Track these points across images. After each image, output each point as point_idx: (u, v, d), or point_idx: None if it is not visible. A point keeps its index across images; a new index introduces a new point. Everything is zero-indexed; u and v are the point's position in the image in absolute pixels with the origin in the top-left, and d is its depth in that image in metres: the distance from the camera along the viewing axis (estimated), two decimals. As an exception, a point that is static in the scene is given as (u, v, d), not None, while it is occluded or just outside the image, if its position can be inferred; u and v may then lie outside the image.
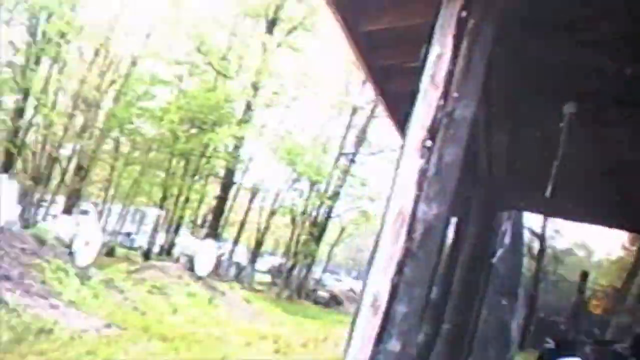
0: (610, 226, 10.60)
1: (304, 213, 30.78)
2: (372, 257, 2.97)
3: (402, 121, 7.02)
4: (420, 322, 3.20)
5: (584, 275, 22.34)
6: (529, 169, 6.87)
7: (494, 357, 11.27)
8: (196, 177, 30.88)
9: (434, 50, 3.09)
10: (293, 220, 31.20)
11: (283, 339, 14.77)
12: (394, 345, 2.80)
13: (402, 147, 3.08)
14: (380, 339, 2.82)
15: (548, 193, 5.47)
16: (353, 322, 2.97)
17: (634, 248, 24.24)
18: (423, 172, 2.92)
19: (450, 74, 3.01)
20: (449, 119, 2.97)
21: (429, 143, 2.94)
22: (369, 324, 2.86)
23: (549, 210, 10.97)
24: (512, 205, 9.15)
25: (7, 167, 24.46)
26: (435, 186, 2.92)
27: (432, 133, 2.96)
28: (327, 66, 30.57)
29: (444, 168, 2.94)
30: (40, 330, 9.79)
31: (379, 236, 2.97)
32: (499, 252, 8.86)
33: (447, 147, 2.97)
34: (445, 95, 2.98)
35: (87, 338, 10.39)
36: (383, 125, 32.40)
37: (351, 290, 35.20)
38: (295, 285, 28.52)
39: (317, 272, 34.24)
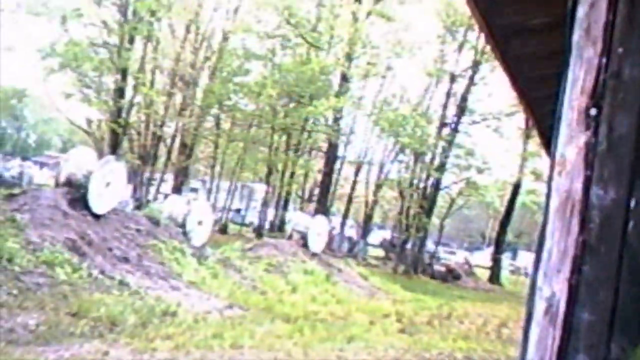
0: None
1: (411, 185, 29.82)
2: (538, 253, 2.46)
3: (523, 88, 6.01)
4: (610, 331, 2.42)
5: None
6: None
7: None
8: (299, 152, 30.69)
9: (585, -3, 2.51)
10: (401, 193, 30.38)
11: (406, 317, 14.01)
12: (583, 361, 2.28)
13: (557, 117, 2.53)
14: (563, 354, 2.30)
15: None
16: (525, 332, 2.42)
17: None
18: (592, 148, 2.36)
19: (609, 25, 2.42)
20: (615, 81, 2.37)
21: (594, 111, 2.37)
22: (546, 335, 2.35)
23: None
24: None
25: (114, 148, 24.90)
26: (610, 165, 2.35)
27: (597, 99, 2.38)
28: (420, 34, 29.48)
29: (617, 141, 2.35)
30: (164, 312, 9.62)
31: (544, 227, 2.45)
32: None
33: (617, 116, 2.36)
34: (608, 52, 2.39)
35: (211, 320, 10.16)
36: (484, 92, 31.32)
37: (466, 263, 33.91)
38: (410, 260, 27.59)
39: (430, 245, 33.06)
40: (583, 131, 2.38)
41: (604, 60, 2.39)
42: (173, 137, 29.21)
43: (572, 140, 2.41)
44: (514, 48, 5.17)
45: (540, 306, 2.38)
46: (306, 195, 32.95)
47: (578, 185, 2.36)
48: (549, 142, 2.74)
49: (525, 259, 54.85)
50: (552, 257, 2.39)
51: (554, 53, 2.69)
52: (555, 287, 2.36)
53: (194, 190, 28.89)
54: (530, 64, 5.59)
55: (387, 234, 35.08)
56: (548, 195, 2.47)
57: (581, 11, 2.51)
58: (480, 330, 13.23)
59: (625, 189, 2.35)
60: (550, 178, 2.48)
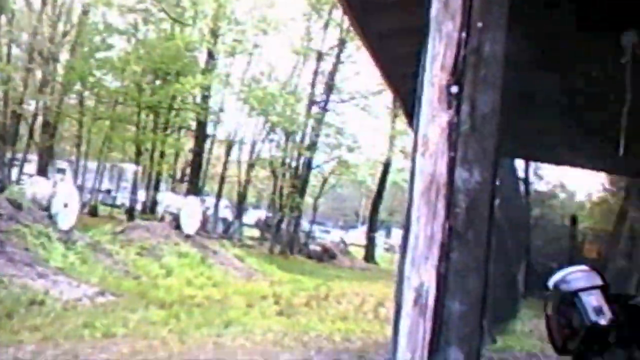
0: (592, 168, 10.48)
1: (283, 165, 29.79)
2: (404, 240, 2.33)
3: (387, 66, 5.88)
4: (481, 322, 2.36)
5: (574, 219, 22.19)
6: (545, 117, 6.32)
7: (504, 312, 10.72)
8: (168, 131, 29.83)
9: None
10: (274, 173, 30.20)
11: (284, 299, 14.03)
12: (456, 354, 2.18)
13: (418, 95, 2.39)
14: (435, 347, 2.19)
15: (621, 150, 4.58)
16: (395, 324, 2.28)
17: (615, 189, 23.86)
18: (454, 127, 2.26)
19: None
20: (476, 57, 2.28)
21: (455, 89, 2.27)
22: (416, 327, 2.21)
23: (545, 157, 10.73)
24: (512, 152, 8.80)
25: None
26: (474, 145, 2.25)
27: (458, 76, 2.28)
28: (286, 11, 29.43)
29: (480, 121, 2.27)
30: (31, 302, 9.31)
31: (409, 211, 2.32)
32: (496, 202, 7.86)
33: (479, 93, 2.28)
34: (467, 26, 2.30)
35: (82, 308, 9.90)
36: (351, 70, 31.78)
37: (342, 241, 34.55)
38: (286, 240, 27.48)
39: (305, 225, 33.13)
40: (445, 110, 2.27)
41: (464, 35, 2.29)
42: (34, 116, 27.53)
43: (434, 120, 2.29)
44: (374, 24, 5.16)
45: (409, 296, 2.24)
46: (178, 176, 32.12)
47: (442, 167, 2.24)
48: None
49: (399, 236, 56.86)
50: (419, 244, 2.25)
51: (415, 29, 2.54)
52: (423, 276, 2.22)
53: (61, 171, 27.40)
54: (392, 41, 5.56)
55: (262, 214, 34.96)
56: (412, 178, 2.35)
57: (439, -17, 2.40)
58: (358, 310, 13.35)
59: (489, 170, 2.29)
60: (413, 159, 2.36)
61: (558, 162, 10.76)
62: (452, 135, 2.25)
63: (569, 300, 2.87)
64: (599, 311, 2.80)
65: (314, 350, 8.90)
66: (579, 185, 35.87)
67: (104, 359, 7.35)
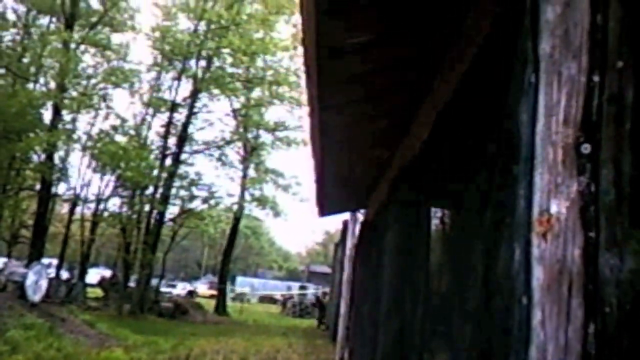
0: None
1: (131, 220, 28.82)
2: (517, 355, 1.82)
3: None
4: None
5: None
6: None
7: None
8: (6, 193, 27.99)
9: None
10: (123, 230, 29.11)
11: None
12: None
13: (524, 156, 1.87)
14: None
15: None
16: None
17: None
18: (590, 199, 1.71)
19: (598, 30, 1.78)
20: (616, 106, 1.73)
21: (587, 148, 1.74)
22: None
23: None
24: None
25: None
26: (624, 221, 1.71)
27: (590, 131, 1.74)
28: (137, 63, 29.17)
29: (629, 188, 1.71)
30: None
31: (527, 316, 1.79)
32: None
33: (624, 153, 1.72)
34: (601, 67, 1.76)
35: None
36: (206, 121, 31.86)
37: (191, 292, 33.84)
38: (135, 299, 26.45)
39: (152, 281, 32.26)
40: (575, 176, 1.76)
41: (596, 78, 1.79)
42: None
43: (558, 190, 1.78)
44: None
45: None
46: (19, 239, 30.07)
47: (576, 253, 1.71)
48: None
49: (244, 284, 56.89)
50: (547, 358, 1.72)
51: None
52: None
53: None
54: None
55: (104, 272, 33.51)
56: (527, 270, 1.81)
57: (550, 12, 1.91)
58: (224, 371, 13.28)
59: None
60: (526, 244, 1.83)
61: None
62: (587, 209, 1.73)
63: None
64: None
65: None
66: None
67: None
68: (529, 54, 1.90)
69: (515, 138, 1.93)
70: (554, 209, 1.75)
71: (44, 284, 18.72)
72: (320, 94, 4.34)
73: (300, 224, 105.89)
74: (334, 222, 49.51)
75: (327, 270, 47.00)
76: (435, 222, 3.96)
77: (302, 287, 51.98)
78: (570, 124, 1.77)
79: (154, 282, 31.09)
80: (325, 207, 11.76)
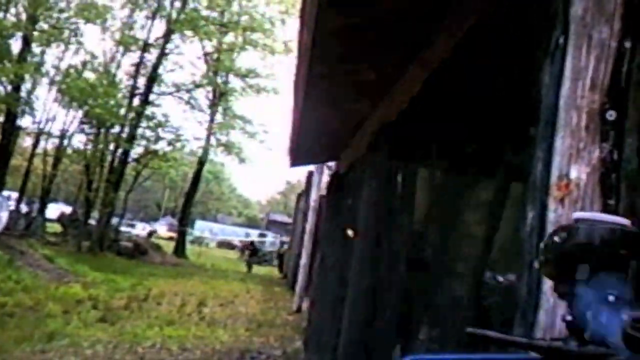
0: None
1: (95, 156, 28.44)
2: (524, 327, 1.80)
3: None
4: None
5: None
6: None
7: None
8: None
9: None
10: (87, 166, 28.72)
11: (102, 302, 13.54)
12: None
13: (545, 118, 1.80)
14: None
15: None
16: None
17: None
18: (612, 166, 1.68)
19: None
20: None
21: (612, 114, 1.68)
22: None
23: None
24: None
25: None
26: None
27: (617, 99, 1.69)
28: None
29: None
30: None
31: (530, 280, 1.77)
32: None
33: None
34: (634, 32, 1.72)
35: None
36: (175, 63, 31.31)
37: (151, 233, 33.71)
38: (95, 237, 26.25)
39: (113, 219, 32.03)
40: (597, 143, 1.71)
41: (628, 44, 1.73)
42: None
43: (580, 156, 1.73)
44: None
45: None
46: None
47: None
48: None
49: (203, 228, 57.05)
50: (556, 323, 1.67)
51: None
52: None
53: None
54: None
55: (64, 208, 33.09)
56: (530, 232, 1.80)
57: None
58: (182, 313, 13.29)
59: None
60: (542, 207, 1.78)
61: None
62: (608, 177, 1.70)
63: None
64: None
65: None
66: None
67: None
68: (558, 14, 1.83)
69: (534, 100, 1.87)
70: (573, 174, 1.72)
71: (4, 216, 18.55)
72: (313, 43, 4.28)
73: (262, 172, 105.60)
74: (296, 172, 49.52)
75: (287, 219, 47.31)
76: (420, 182, 3.96)
77: (262, 235, 52.33)
78: (596, 89, 1.72)
79: (115, 221, 30.92)
80: (298, 157, 11.76)
